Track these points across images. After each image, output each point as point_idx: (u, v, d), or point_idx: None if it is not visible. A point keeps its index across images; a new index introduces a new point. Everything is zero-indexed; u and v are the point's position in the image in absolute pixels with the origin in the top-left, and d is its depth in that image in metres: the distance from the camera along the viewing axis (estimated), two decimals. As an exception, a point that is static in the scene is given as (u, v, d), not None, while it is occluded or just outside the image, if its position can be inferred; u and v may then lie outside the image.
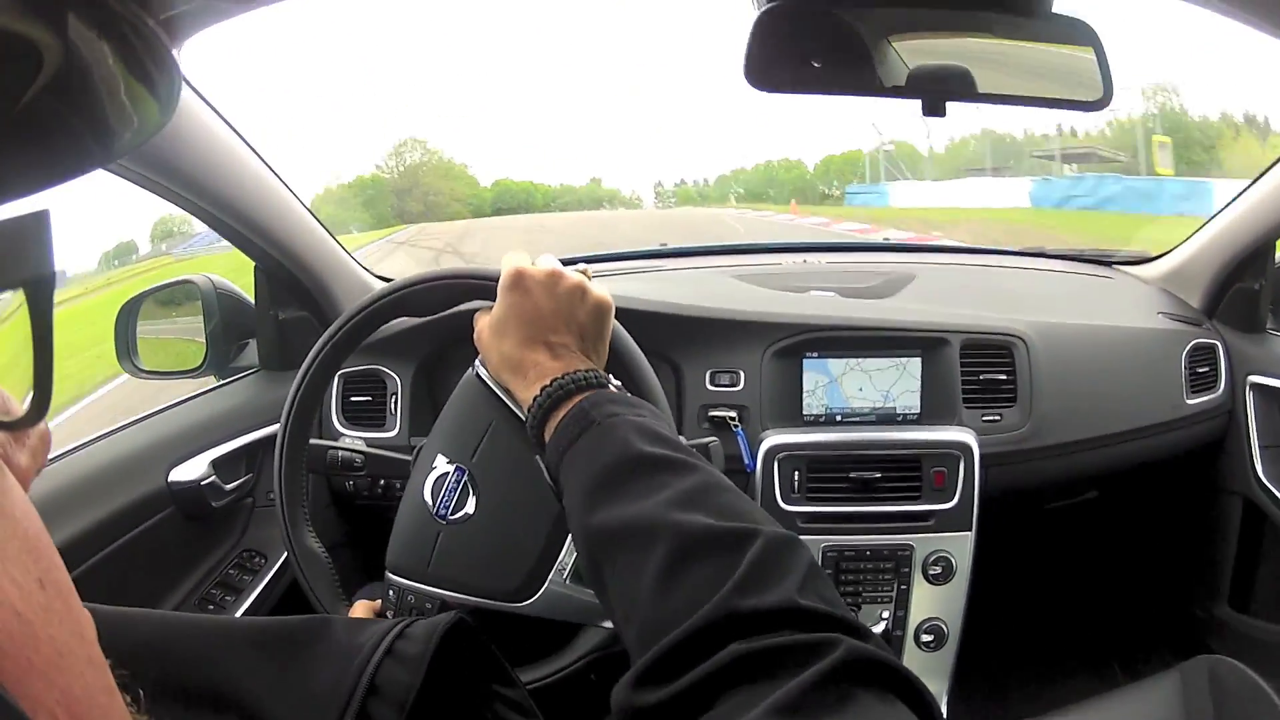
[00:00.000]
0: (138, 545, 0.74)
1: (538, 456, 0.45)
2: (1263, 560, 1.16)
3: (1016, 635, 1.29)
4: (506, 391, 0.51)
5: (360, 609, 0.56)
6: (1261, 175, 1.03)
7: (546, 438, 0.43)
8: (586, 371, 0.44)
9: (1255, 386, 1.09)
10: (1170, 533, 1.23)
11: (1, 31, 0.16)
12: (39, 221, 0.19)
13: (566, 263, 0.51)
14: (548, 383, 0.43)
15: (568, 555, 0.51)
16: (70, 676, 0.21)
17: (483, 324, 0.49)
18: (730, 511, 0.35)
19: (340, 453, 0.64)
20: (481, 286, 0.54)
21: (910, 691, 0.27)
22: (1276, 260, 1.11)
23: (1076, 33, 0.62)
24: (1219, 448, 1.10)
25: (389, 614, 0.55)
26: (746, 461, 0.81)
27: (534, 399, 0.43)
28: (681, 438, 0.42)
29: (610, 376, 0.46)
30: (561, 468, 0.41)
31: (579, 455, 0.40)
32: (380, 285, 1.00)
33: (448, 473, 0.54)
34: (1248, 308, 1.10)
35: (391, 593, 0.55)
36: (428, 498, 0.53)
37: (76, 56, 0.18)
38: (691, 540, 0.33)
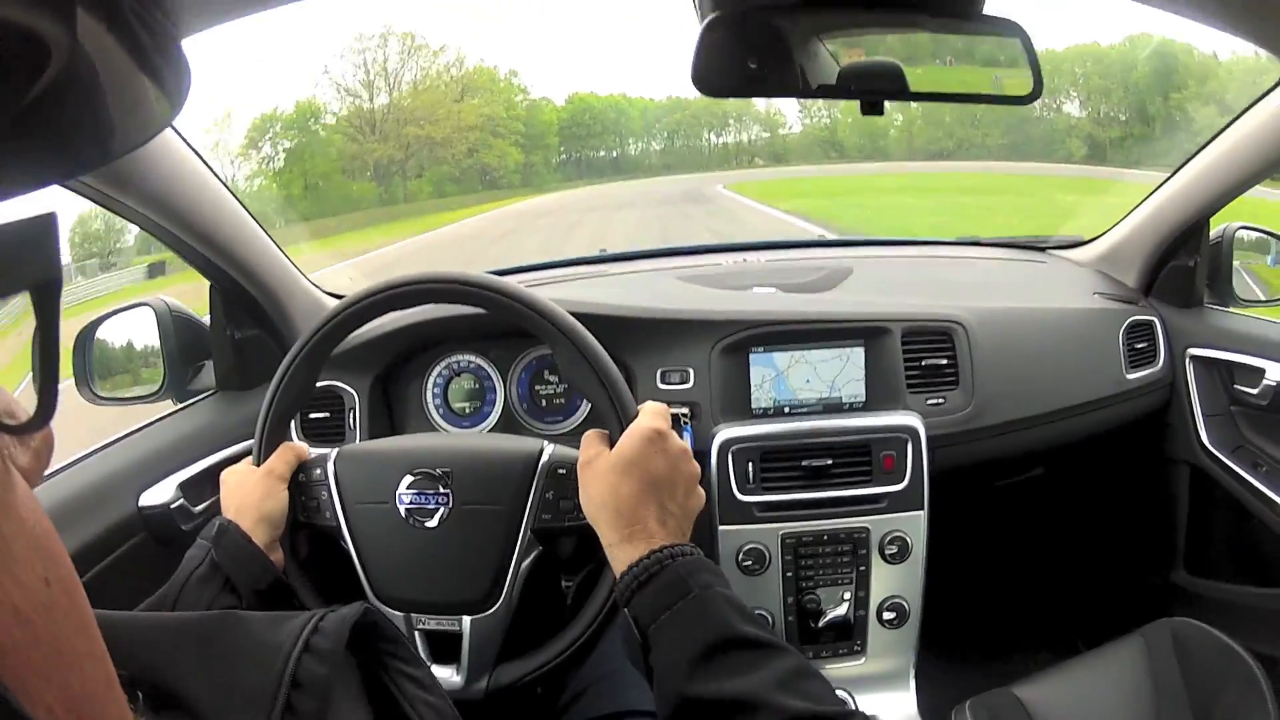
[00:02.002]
0: (111, 573, 0.74)
1: (624, 609, 0.48)
2: (1214, 524, 1.20)
3: (977, 611, 1.31)
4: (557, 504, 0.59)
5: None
6: (1191, 157, 1.08)
7: (633, 594, 0.48)
8: (686, 545, 0.49)
9: (1195, 359, 1.14)
10: (1121, 504, 1.27)
11: (9, 25, 0.16)
12: (46, 225, 0.18)
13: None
14: (657, 549, 0.48)
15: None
16: (69, 672, 0.21)
17: (599, 450, 0.53)
18: (820, 696, 0.42)
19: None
20: (617, 409, 0.56)
21: None
22: (1210, 237, 1.16)
23: (1006, 31, 0.65)
24: (1162, 419, 1.14)
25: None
26: None
27: (639, 559, 0.48)
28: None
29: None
30: (656, 627, 0.45)
31: (679, 621, 0.45)
32: (331, 303, 1.01)
33: (438, 492, 0.59)
34: (1184, 284, 1.14)
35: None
36: (407, 488, 0.59)
37: (84, 50, 0.18)
38: None
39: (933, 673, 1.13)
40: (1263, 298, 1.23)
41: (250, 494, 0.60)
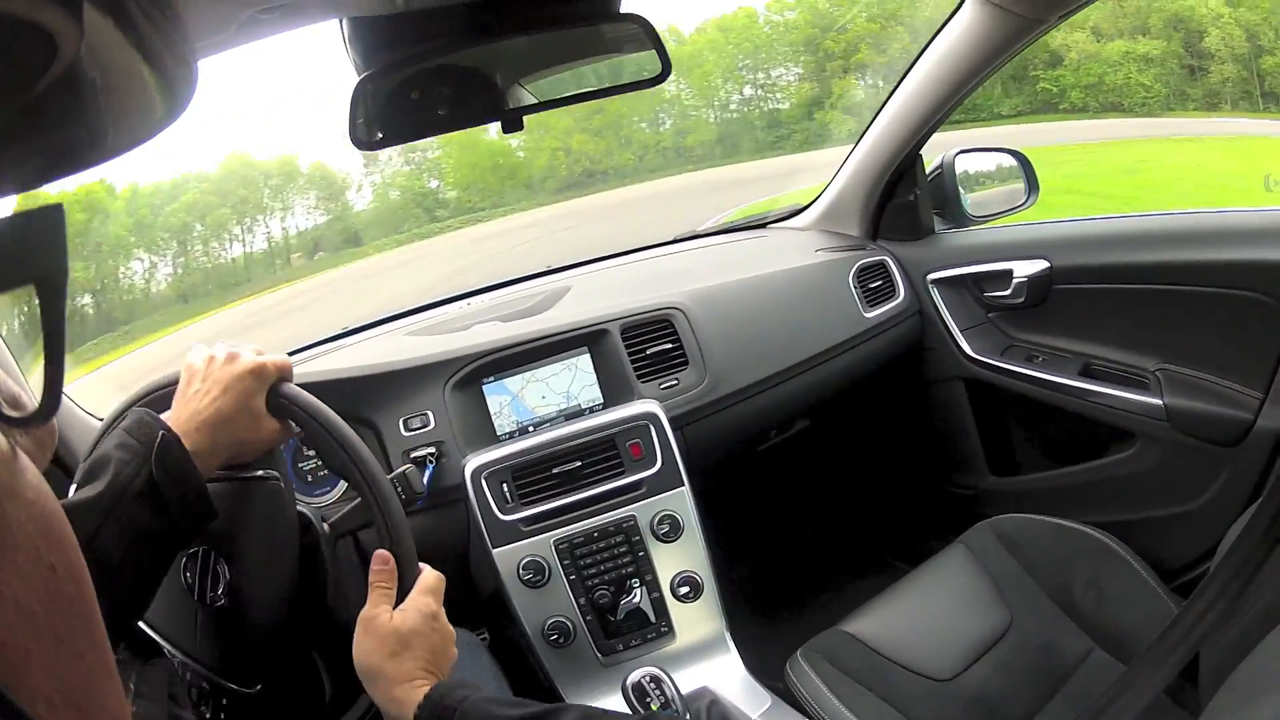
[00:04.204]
0: None
1: None
2: (1007, 423, 1.30)
3: (794, 564, 1.36)
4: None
5: None
6: (884, 105, 1.20)
7: None
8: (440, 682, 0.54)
9: (936, 282, 1.25)
10: (908, 432, 1.35)
11: (16, 19, 0.16)
12: (52, 217, 0.18)
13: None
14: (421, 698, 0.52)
15: None
16: (70, 662, 0.20)
17: (382, 610, 0.57)
18: None
19: None
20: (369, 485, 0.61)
21: None
22: (928, 170, 1.28)
23: (631, 24, 0.73)
24: (921, 347, 1.24)
25: None
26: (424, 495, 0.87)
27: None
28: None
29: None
30: None
31: None
32: (96, 425, 1.04)
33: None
34: (908, 219, 1.26)
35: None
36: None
37: (91, 45, 0.17)
38: None
39: (765, 633, 1.18)
40: (1019, 204, 1.33)
41: (231, 416, 0.56)
